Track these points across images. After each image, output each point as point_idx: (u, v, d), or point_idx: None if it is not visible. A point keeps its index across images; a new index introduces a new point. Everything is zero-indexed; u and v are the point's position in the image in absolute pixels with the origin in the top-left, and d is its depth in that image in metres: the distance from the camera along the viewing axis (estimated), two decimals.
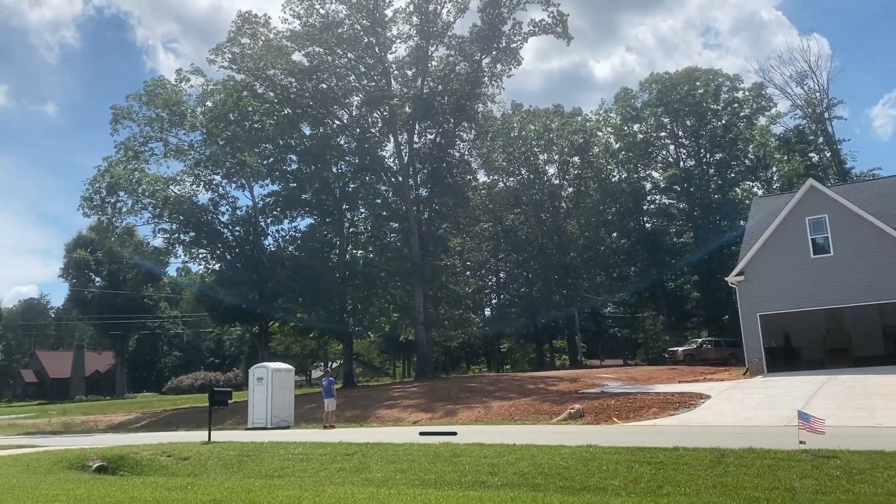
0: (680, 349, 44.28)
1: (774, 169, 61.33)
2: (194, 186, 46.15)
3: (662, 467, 10.69)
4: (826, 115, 58.13)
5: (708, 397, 21.53)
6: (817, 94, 58.54)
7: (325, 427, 22.58)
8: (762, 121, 61.36)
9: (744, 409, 19.03)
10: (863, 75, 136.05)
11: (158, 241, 46.24)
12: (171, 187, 44.80)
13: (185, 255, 47.13)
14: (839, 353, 29.24)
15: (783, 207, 29.15)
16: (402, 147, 45.56)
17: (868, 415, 16.51)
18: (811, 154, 59.12)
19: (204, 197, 46.75)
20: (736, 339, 35.17)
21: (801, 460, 10.46)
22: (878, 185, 35.75)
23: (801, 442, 11.48)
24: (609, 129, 63.96)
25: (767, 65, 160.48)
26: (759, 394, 21.35)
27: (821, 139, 58.93)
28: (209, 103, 45.23)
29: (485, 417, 22.61)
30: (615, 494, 9.02)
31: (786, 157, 59.32)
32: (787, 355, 29.94)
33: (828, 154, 58.67)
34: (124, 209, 43.56)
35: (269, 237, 48.06)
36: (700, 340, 46.46)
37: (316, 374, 79.33)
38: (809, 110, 58.24)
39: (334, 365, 70.22)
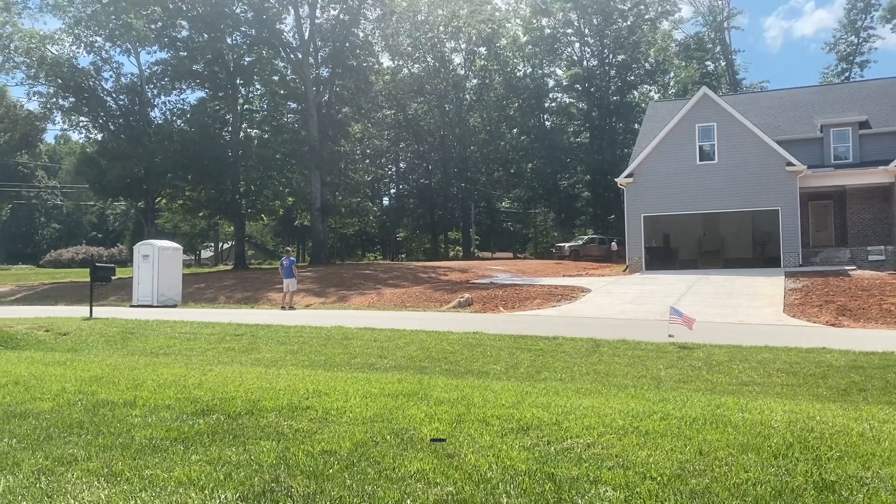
0: (567, 245, 46.02)
1: (672, 74, 62.85)
2: (74, 47, 42.47)
3: (542, 354, 11.27)
4: (725, 24, 59.61)
5: (589, 291, 22.64)
6: (719, 2, 59.73)
7: (283, 308, 22.25)
8: (665, 25, 62.20)
9: (621, 302, 20.18)
10: None
11: (34, 105, 42.88)
12: (48, 46, 40.95)
13: (64, 122, 43.98)
14: (712, 255, 31.34)
15: (676, 113, 30.10)
16: (302, 21, 43.30)
17: (731, 312, 17.88)
18: (707, 62, 60.84)
19: (85, 60, 43.43)
20: (620, 237, 36.89)
21: (668, 352, 11.28)
22: (764, 97, 37.44)
23: (669, 335, 12.36)
24: (518, 20, 63.10)
25: None
26: (636, 290, 22.66)
27: (718, 48, 60.63)
28: None
29: (377, 304, 22.97)
30: (496, 378, 9.46)
31: (684, 64, 60.78)
32: (665, 255, 31.74)
33: (723, 63, 60.57)
34: None
35: (156, 109, 45.43)
36: (586, 237, 48.38)
37: (206, 254, 77.61)
38: (710, 18, 59.47)
39: (228, 246, 68.71)
